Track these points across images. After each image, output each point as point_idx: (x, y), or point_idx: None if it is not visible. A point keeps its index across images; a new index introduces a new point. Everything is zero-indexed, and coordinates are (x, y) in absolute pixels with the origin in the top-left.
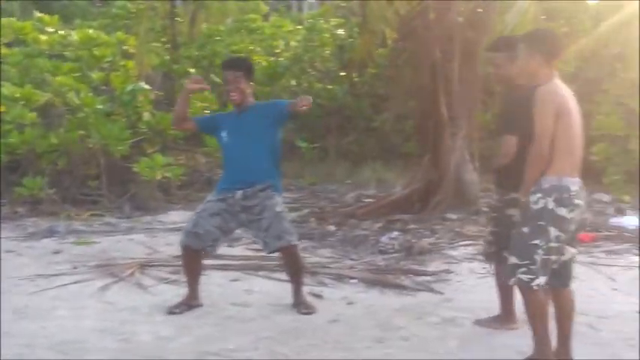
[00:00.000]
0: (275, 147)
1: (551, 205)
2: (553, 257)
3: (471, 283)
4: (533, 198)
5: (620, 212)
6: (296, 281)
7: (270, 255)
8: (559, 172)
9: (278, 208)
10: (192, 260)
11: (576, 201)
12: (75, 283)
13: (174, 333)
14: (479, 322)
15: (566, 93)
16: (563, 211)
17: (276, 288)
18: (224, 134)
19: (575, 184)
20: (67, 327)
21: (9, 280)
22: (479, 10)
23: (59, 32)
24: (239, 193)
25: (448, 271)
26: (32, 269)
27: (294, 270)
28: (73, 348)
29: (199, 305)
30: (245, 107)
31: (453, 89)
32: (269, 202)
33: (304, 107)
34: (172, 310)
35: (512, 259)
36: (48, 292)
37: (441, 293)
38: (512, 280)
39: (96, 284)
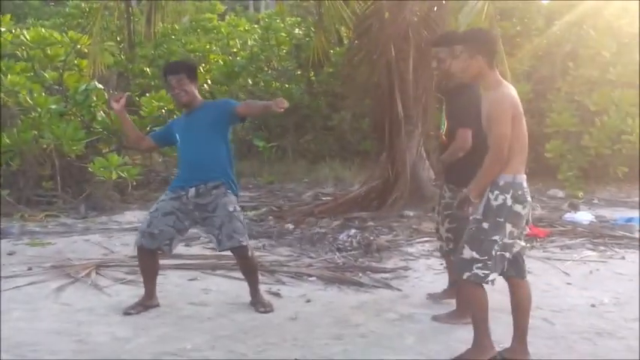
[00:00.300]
0: (226, 145)
1: (509, 202)
2: (507, 254)
3: (429, 280)
4: (491, 195)
5: (574, 208)
6: (251, 280)
7: (226, 254)
8: (514, 171)
9: (231, 207)
10: (148, 260)
11: (528, 197)
12: (30, 284)
13: (131, 333)
14: (436, 318)
15: (515, 94)
16: (519, 208)
17: (234, 287)
18: (177, 136)
19: (525, 180)
20: (23, 329)
21: None
22: (434, 9)
23: (11, 31)
24: (192, 191)
25: (406, 268)
26: None
27: (248, 269)
28: (28, 350)
29: (156, 305)
30: (194, 107)
31: (408, 87)
32: (222, 200)
33: (281, 109)
34: (129, 311)
35: (470, 254)
36: (3, 294)
37: (399, 290)
38: (466, 275)
39: (51, 285)
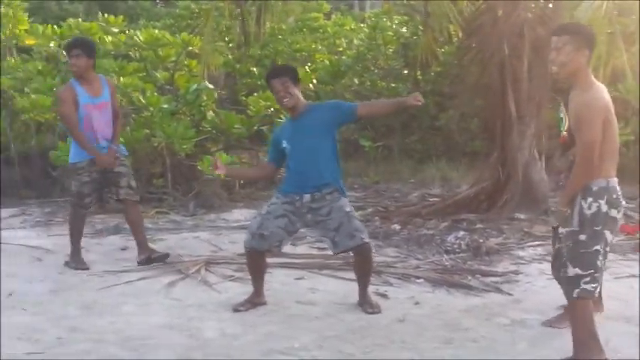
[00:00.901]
0: (335, 148)
1: (604, 207)
2: (605, 262)
3: (541, 284)
4: (585, 203)
5: None
6: (363, 281)
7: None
8: (606, 175)
9: (347, 208)
10: (257, 261)
11: (622, 201)
12: (142, 279)
13: (240, 330)
14: (547, 323)
15: (607, 96)
16: (614, 213)
17: (341, 287)
18: (285, 143)
19: (617, 184)
20: (135, 323)
21: (78, 276)
22: (549, 5)
23: (124, 33)
24: (307, 197)
25: (517, 272)
26: (100, 265)
27: (365, 269)
28: (140, 344)
29: (264, 303)
30: (299, 111)
31: (521, 87)
32: (336, 204)
33: (419, 103)
34: (238, 308)
35: (574, 271)
36: (116, 288)
37: (510, 294)
38: (576, 293)
39: (162, 281)
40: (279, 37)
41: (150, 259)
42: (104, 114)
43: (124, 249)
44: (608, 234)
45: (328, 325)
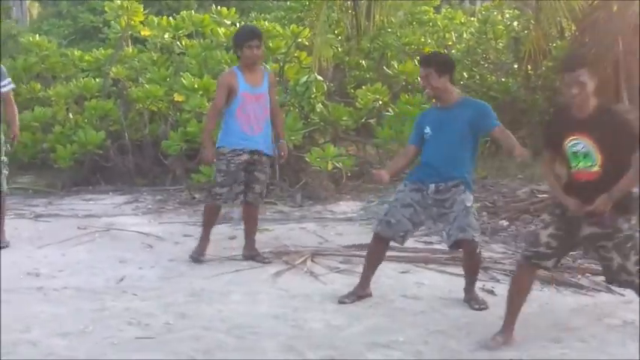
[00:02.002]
0: (475, 147)
1: None
2: None
3: None
4: None
5: None
6: (471, 278)
7: (439, 247)
8: None
9: (468, 203)
10: (379, 248)
11: None
12: (249, 269)
13: (345, 322)
14: None
15: None
16: None
17: (446, 282)
18: (427, 130)
19: None
20: (242, 311)
21: (187, 264)
22: None
23: (236, 25)
24: (432, 187)
25: None
26: (209, 254)
27: (472, 267)
28: (247, 332)
29: (369, 295)
30: (449, 102)
31: (636, 83)
32: (459, 197)
33: (519, 157)
34: (343, 300)
35: None
36: (224, 277)
37: (622, 295)
38: None
39: (269, 271)
40: (389, 30)
41: (252, 257)
42: (260, 105)
43: (232, 238)
44: None
45: (433, 320)
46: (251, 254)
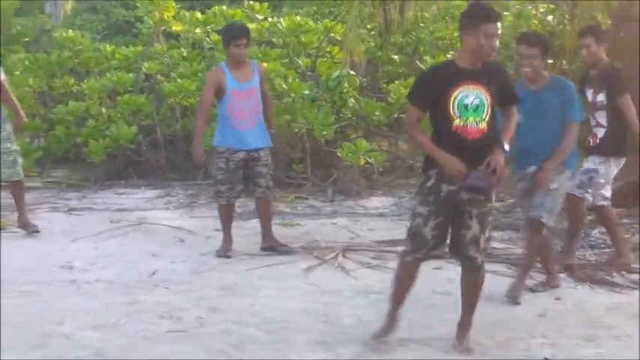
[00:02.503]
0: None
1: None
2: None
3: None
4: None
5: None
6: (524, 264)
7: None
8: None
9: (554, 185)
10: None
11: None
12: (280, 263)
13: (376, 318)
14: None
15: None
16: None
17: None
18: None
19: None
20: (273, 306)
21: (218, 258)
22: None
23: (268, 20)
24: (532, 168)
25: None
26: (240, 248)
27: (528, 250)
28: (278, 327)
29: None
30: (540, 83)
31: None
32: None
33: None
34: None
35: None
36: (255, 272)
37: None
38: None
39: (300, 266)
40: (422, 25)
41: (272, 249)
42: (251, 100)
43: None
44: None
45: None
46: (270, 245)
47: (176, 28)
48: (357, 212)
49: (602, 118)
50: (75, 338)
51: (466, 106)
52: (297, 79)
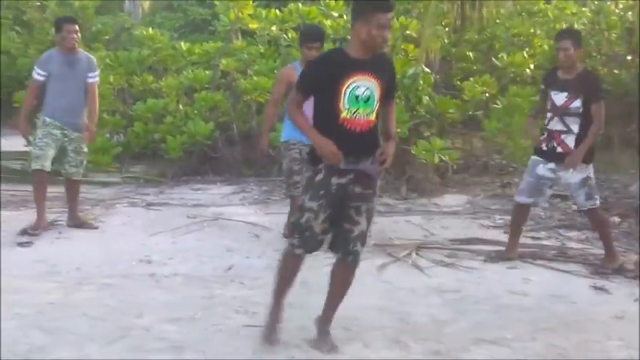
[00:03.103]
0: None
1: None
2: None
3: None
4: None
5: None
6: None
7: (548, 243)
8: None
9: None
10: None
11: None
12: None
13: (450, 316)
14: None
15: None
16: None
17: (554, 278)
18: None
19: None
20: (347, 303)
21: None
22: None
23: (343, 17)
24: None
25: None
26: None
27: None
28: (352, 324)
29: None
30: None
31: None
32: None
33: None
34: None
35: None
36: (329, 268)
37: None
38: None
39: (374, 263)
40: (497, 21)
41: None
42: None
43: None
44: None
45: (540, 317)
46: None
47: (253, 25)
48: (430, 210)
49: (574, 124)
50: (154, 331)
51: (357, 97)
52: None
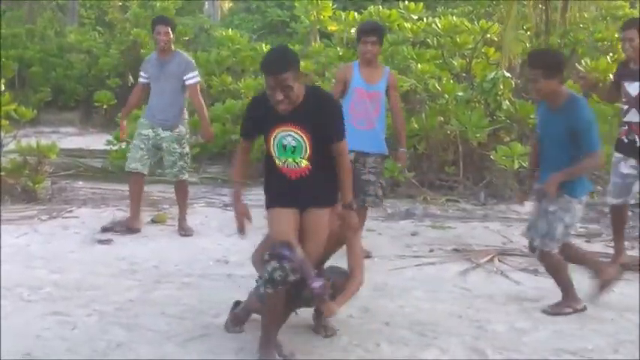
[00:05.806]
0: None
1: None
2: None
3: None
4: None
5: None
6: None
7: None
8: None
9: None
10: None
11: None
12: (431, 265)
13: (529, 325)
14: None
15: None
16: None
17: (637, 290)
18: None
19: None
20: (424, 308)
21: (369, 259)
22: None
23: (423, 20)
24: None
25: None
26: (391, 249)
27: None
28: (429, 329)
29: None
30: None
31: None
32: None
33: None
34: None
35: None
36: (405, 272)
37: None
38: None
39: (452, 268)
40: (581, 25)
41: None
42: (374, 103)
43: (414, 234)
44: None
45: (623, 329)
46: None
47: (332, 27)
48: (509, 217)
49: None
50: None
51: (284, 147)
52: (452, 80)
